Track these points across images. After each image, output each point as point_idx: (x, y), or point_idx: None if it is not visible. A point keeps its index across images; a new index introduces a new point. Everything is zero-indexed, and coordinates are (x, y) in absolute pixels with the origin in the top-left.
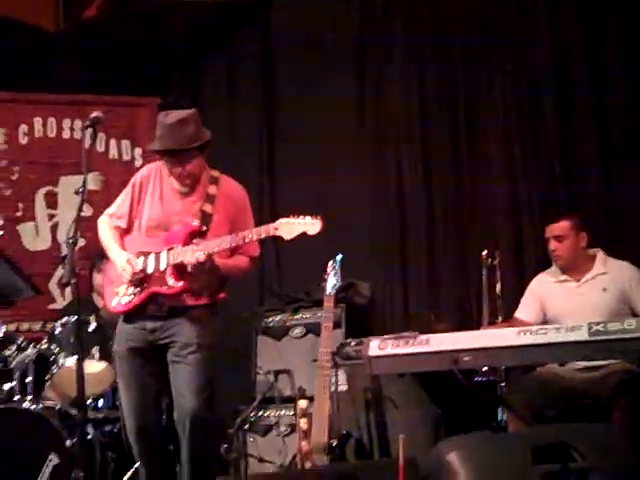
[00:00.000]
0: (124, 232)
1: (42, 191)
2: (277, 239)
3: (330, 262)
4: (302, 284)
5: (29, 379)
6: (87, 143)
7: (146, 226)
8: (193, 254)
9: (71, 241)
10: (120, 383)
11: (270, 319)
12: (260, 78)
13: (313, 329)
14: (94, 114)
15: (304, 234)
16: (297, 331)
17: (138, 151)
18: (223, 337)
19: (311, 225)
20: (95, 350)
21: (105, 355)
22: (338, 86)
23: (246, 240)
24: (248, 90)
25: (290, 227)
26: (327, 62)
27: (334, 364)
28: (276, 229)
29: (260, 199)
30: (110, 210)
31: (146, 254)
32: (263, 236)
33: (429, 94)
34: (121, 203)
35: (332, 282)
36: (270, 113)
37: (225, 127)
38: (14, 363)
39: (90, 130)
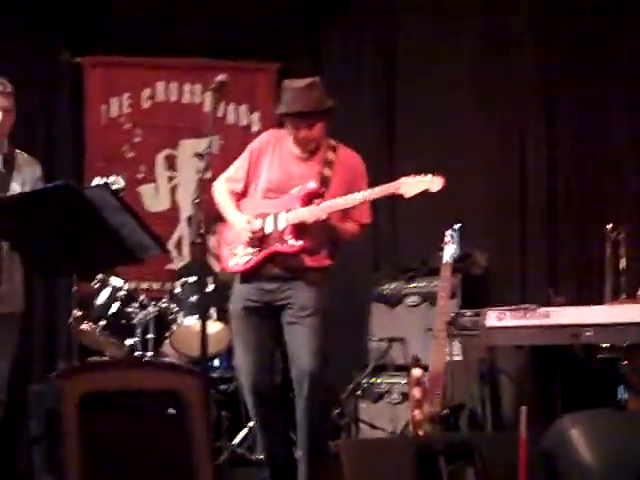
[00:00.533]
0: (239, 196)
1: (162, 154)
2: (393, 207)
3: (448, 231)
4: (417, 252)
5: (150, 336)
6: (212, 107)
7: (264, 189)
8: (313, 212)
9: (196, 201)
10: (236, 342)
11: (385, 286)
12: (382, 44)
13: (428, 298)
14: (219, 77)
15: (426, 191)
16: (412, 299)
17: (256, 116)
18: (337, 303)
19: (433, 182)
20: (213, 311)
21: (222, 316)
22: (462, 53)
23: (367, 198)
24: (369, 56)
25: (411, 185)
26: (451, 29)
27: (449, 334)
28: (397, 188)
29: (378, 168)
30: (226, 174)
31: (264, 215)
32: (384, 194)
33: (556, 61)
34: (238, 167)
35: (450, 251)
36: (391, 80)
37: (345, 94)
38: (136, 320)
39: (216, 94)
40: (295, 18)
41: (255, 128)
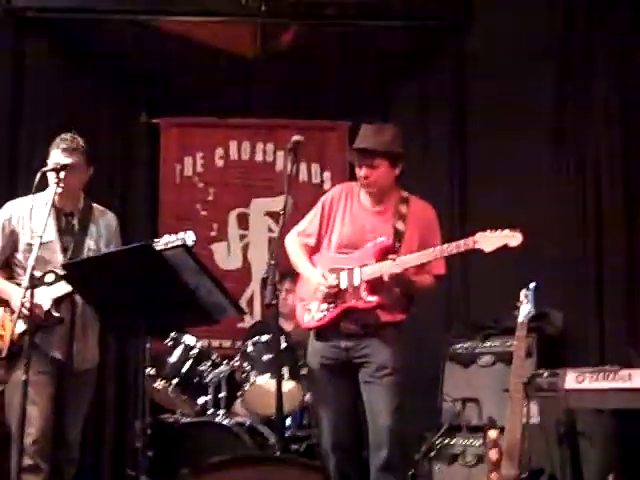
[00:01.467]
0: (312, 250)
1: (235, 212)
2: (466, 264)
3: (523, 290)
4: (490, 310)
5: (222, 394)
6: (288, 166)
7: (337, 244)
8: (389, 268)
9: (272, 262)
10: (314, 401)
11: (458, 346)
12: (452, 103)
13: (503, 358)
14: (295, 138)
15: (505, 246)
16: (486, 359)
17: (327, 175)
18: (410, 361)
19: (512, 237)
20: (285, 370)
21: (294, 375)
22: (533, 110)
23: (444, 253)
24: (439, 115)
25: (490, 239)
26: (521, 87)
27: (526, 395)
28: (475, 242)
29: (451, 222)
30: (299, 228)
31: (338, 271)
32: (462, 250)
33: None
34: (310, 221)
35: (525, 310)
36: (462, 138)
37: (415, 151)
38: (208, 378)
39: (291, 153)
40: (366, 77)
41: (327, 186)
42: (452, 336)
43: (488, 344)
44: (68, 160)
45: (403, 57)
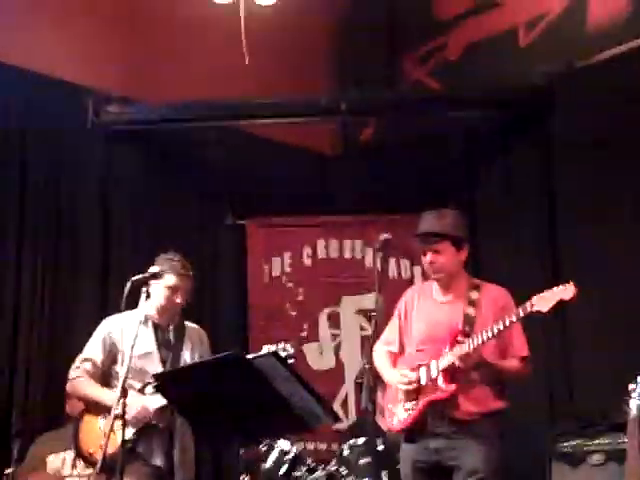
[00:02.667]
0: (397, 356)
1: (325, 311)
2: (568, 357)
3: (632, 384)
4: (595, 402)
5: None
6: (379, 265)
7: (415, 342)
8: (459, 352)
9: (367, 365)
10: None
11: (565, 443)
12: (540, 189)
13: (615, 456)
14: (383, 236)
15: (561, 301)
16: (596, 458)
17: (417, 269)
18: (511, 461)
19: (564, 291)
20: (384, 474)
21: (394, 479)
22: (628, 203)
23: (506, 323)
24: (528, 202)
25: (545, 299)
26: (612, 172)
27: None
28: (533, 305)
29: None
30: (382, 337)
31: (417, 367)
32: (522, 315)
33: None
34: (391, 329)
35: (636, 404)
36: (551, 227)
37: (503, 239)
38: None
39: (380, 252)
40: (450, 168)
41: (417, 281)
42: (557, 433)
43: (598, 441)
44: (188, 286)
45: (486, 143)
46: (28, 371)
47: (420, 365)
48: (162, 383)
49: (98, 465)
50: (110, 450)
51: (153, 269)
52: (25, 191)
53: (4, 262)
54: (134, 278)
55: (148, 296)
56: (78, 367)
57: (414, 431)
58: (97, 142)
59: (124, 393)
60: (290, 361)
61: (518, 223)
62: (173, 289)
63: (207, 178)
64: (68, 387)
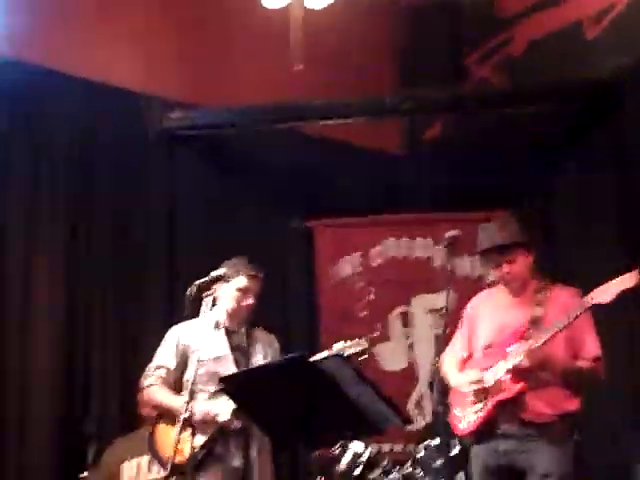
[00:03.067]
0: (466, 361)
1: (396, 311)
2: None
3: None
4: None
5: None
6: (447, 262)
7: (482, 347)
8: (525, 351)
9: (436, 365)
10: None
11: None
12: (615, 187)
13: None
14: (451, 233)
15: (623, 291)
16: None
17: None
18: (592, 465)
19: (626, 280)
20: (460, 476)
21: None
22: None
23: (571, 320)
24: (602, 200)
25: (605, 291)
26: None
27: None
28: (592, 298)
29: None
30: (450, 347)
31: (484, 370)
32: (582, 310)
33: None
34: (459, 337)
35: None
36: (627, 232)
37: (576, 236)
38: None
39: (448, 249)
40: (520, 163)
41: (490, 279)
42: None
43: None
44: (258, 289)
45: (557, 139)
46: (103, 374)
47: (487, 367)
48: (229, 386)
49: (168, 469)
50: (186, 454)
51: (217, 272)
52: (93, 194)
53: (74, 264)
54: (198, 282)
55: (214, 303)
56: (151, 375)
57: (483, 433)
58: (161, 149)
59: (191, 397)
60: (364, 356)
61: (590, 219)
62: (244, 291)
63: (273, 181)
64: (142, 396)
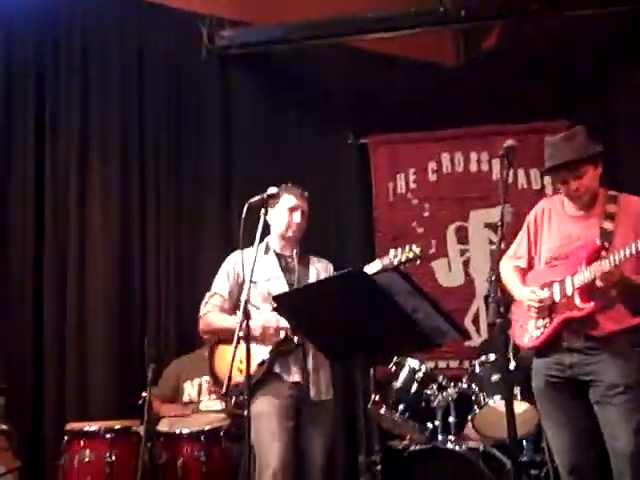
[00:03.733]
0: (525, 271)
1: (453, 227)
2: None
3: None
4: None
5: (451, 419)
6: (503, 173)
7: (546, 258)
8: (598, 269)
9: (492, 278)
10: (544, 421)
11: None
12: None
13: None
14: (507, 143)
15: None
16: None
17: (548, 179)
18: None
19: None
20: (517, 390)
21: (527, 395)
22: None
23: None
24: None
25: None
26: None
27: None
28: None
29: None
30: (510, 252)
31: (549, 284)
32: None
33: None
34: (519, 243)
35: None
36: None
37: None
38: (436, 402)
39: (505, 160)
40: (579, 70)
41: (548, 191)
42: None
43: None
44: (305, 207)
45: (618, 45)
46: (159, 294)
47: (552, 282)
48: (283, 304)
49: (225, 388)
50: (244, 374)
51: (271, 190)
52: (145, 119)
53: (129, 188)
54: (251, 200)
55: (266, 224)
56: (207, 302)
57: (548, 347)
58: (213, 68)
59: (246, 316)
60: (417, 262)
61: None
62: (292, 209)
63: (326, 98)
64: (200, 324)
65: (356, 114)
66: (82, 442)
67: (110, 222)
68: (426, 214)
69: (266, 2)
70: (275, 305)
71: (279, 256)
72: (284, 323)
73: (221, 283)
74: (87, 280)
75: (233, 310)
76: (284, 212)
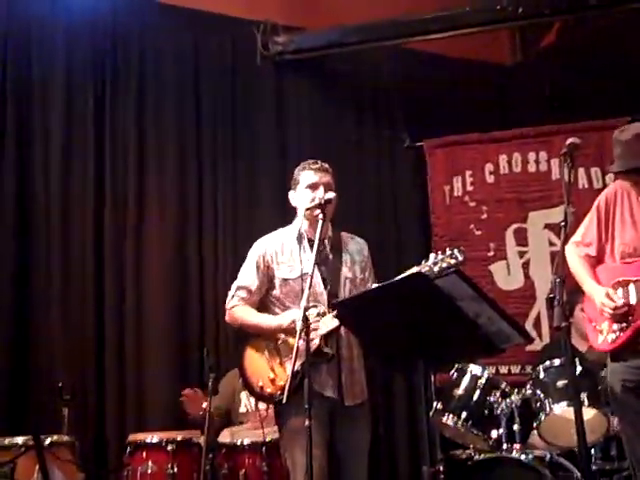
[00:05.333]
0: (594, 260)
1: (511, 228)
2: None
3: None
4: None
5: (516, 426)
6: (565, 173)
7: (620, 252)
8: None
9: (558, 280)
10: (621, 427)
11: None
12: None
13: None
14: (570, 141)
15: None
16: None
17: (610, 177)
18: None
19: None
20: (584, 396)
21: (594, 401)
22: None
23: None
24: None
25: None
26: None
27: None
28: None
29: None
30: (576, 237)
31: (625, 283)
32: None
33: None
34: (587, 227)
35: None
36: None
37: None
38: (499, 409)
39: (568, 158)
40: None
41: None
42: None
43: None
44: (325, 179)
45: None
46: (217, 307)
47: (628, 281)
48: (343, 311)
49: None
50: (280, 383)
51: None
52: (201, 125)
53: (186, 192)
54: (309, 206)
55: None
56: (233, 296)
57: (624, 351)
58: (268, 74)
59: (304, 325)
60: (459, 267)
61: None
62: (313, 187)
63: (381, 100)
64: (227, 317)
65: (412, 116)
66: (144, 454)
67: (167, 228)
68: (484, 216)
69: (319, 7)
70: (333, 312)
71: (312, 245)
72: (321, 331)
73: (249, 275)
74: (144, 292)
75: (258, 305)
76: (305, 191)
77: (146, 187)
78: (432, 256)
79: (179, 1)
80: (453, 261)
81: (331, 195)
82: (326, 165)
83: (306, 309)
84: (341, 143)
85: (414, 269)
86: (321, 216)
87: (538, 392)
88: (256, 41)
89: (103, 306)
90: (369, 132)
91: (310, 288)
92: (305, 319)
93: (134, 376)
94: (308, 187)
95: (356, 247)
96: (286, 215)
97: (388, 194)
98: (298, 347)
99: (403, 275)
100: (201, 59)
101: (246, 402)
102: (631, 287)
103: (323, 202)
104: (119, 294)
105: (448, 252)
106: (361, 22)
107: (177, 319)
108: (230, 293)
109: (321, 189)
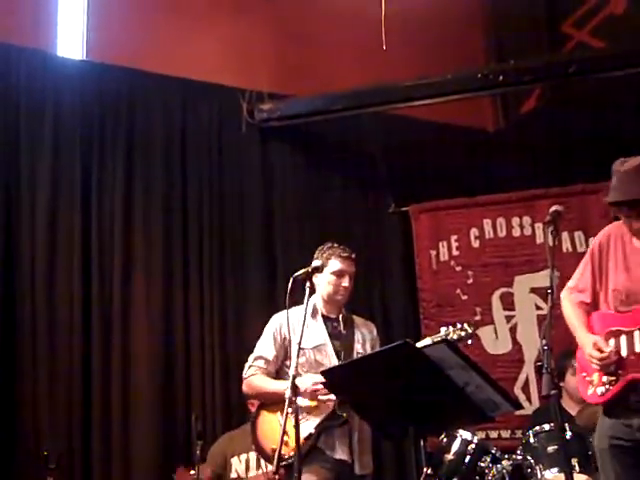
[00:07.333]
0: (590, 307)
1: (498, 293)
2: None
3: None
4: None
5: None
6: (550, 240)
7: (613, 299)
8: None
9: (546, 348)
10: None
11: None
12: None
13: None
14: (553, 208)
15: None
16: None
17: (592, 241)
18: None
19: None
20: (574, 461)
21: (585, 467)
22: None
23: None
24: None
25: None
26: None
27: None
28: None
29: None
30: (571, 283)
31: (617, 334)
32: None
33: None
34: (582, 274)
35: None
36: None
37: None
38: (490, 475)
39: (552, 226)
40: (620, 132)
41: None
42: None
43: None
44: (353, 269)
45: None
46: (203, 371)
47: (620, 332)
48: (330, 379)
49: (274, 462)
50: (290, 447)
51: (315, 263)
52: (187, 190)
53: (170, 266)
54: (296, 274)
55: (312, 291)
56: (251, 366)
57: (615, 406)
58: (253, 141)
59: (294, 389)
60: (469, 341)
61: None
62: (338, 274)
63: (365, 166)
64: (244, 387)
65: (397, 181)
66: None
67: (153, 292)
68: (470, 281)
69: (304, 74)
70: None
71: (326, 320)
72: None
73: (266, 346)
74: (131, 356)
75: (277, 373)
76: (329, 277)
77: (132, 262)
78: (443, 329)
79: (168, 70)
80: (463, 333)
81: (317, 264)
82: (353, 255)
83: (294, 377)
84: (326, 208)
85: (427, 340)
86: (333, 284)
87: (529, 457)
88: (241, 109)
89: (90, 371)
90: (354, 197)
91: (299, 357)
92: (294, 387)
93: (120, 442)
94: (334, 274)
95: (367, 328)
96: (272, 279)
97: (375, 259)
98: (287, 413)
99: (392, 344)
100: (188, 125)
101: (237, 467)
102: (622, 339)
103: (310, 269)
104: (106, 359)
105: (458, 325)
106: (345, 89)
107: (163, 385)
108: (247, 364)
109: (347, 278)
